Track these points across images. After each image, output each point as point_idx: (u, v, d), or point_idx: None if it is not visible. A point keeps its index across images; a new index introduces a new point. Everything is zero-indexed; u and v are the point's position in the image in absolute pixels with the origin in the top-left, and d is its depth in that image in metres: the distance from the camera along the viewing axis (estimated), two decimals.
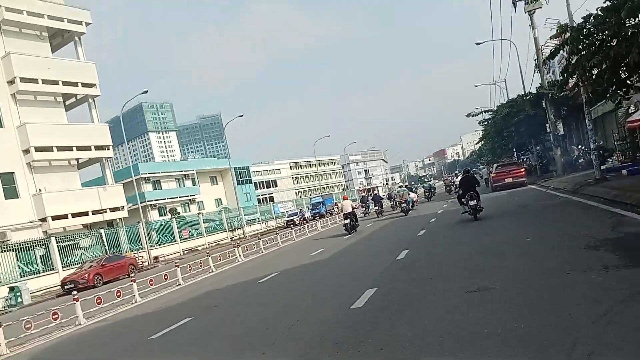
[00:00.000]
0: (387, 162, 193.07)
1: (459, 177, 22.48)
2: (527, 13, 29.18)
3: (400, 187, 42.33)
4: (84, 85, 34.66)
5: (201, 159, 72.42)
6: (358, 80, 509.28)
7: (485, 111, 36.96)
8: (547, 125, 30.51)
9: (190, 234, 41.56)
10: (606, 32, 11.73)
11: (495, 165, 33.12)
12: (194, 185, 66.67)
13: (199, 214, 46.27)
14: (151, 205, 60.37)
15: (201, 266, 20.27)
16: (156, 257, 36.14)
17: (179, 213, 49.90)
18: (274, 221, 58.32)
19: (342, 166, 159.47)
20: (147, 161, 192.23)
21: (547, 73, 37.23)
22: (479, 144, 62.17)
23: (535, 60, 31.58)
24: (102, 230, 32.57)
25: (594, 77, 13.20)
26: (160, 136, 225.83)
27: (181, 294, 14.96)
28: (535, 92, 32.54)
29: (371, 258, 13.69)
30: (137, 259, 30.26)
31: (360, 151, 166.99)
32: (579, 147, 32.02)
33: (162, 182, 62.82)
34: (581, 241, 8.87)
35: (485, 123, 38.40)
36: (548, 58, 16.07)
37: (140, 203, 60.04)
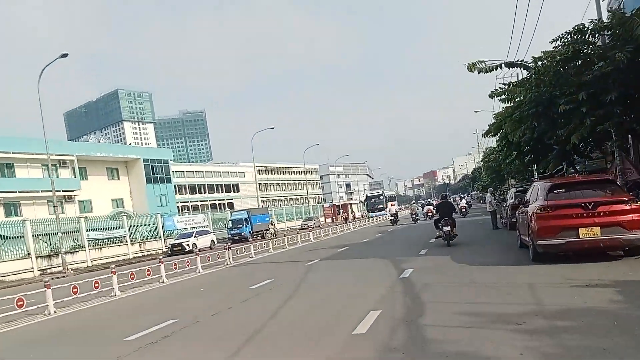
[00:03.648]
0: (372, 177, 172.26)
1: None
2: None
3: (412, 203, 53.02)
4: None
5: (97, 144, 51.48)
6: (349, 93, 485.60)
7: (509, 64, 15.19)
8: None
9: None
10: None
11: (545, 184, 11.00)
12: (74, 177, 45.39)
13: None
14: None
15: None
16: None
17: None
18: (159, 242, 37.09)
19: (321, 177, 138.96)
20: None
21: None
22: (484, 147, 42.11)
23: None
24: None
25: None
26: (136, 127, 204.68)
27: None
28: None
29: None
30: None
31: (342, 163, 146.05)
32: None
33: (16, 166, 41.61)
34: None
35: (511, 89, 15.83)
36: None
37: None
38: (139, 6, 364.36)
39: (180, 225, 39.48)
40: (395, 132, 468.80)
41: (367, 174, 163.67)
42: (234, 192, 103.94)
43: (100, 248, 31.60)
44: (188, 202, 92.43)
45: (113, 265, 13.68)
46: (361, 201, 76.73)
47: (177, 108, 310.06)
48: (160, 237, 37.26)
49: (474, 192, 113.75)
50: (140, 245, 35.13)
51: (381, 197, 70.85)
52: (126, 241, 33.72)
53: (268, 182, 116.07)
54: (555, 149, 16.15)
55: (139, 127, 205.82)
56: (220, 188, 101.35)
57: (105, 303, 11.79)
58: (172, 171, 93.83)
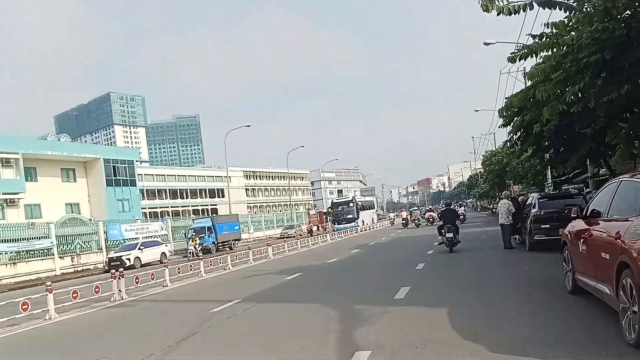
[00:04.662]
0: (365, 184, 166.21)
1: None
2: None
3: (413, 210, 52.70)
4: None
5: (50, 141, 44.87)
6: (344, 100, 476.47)
7: (545, 4, 9.52)
8: None
9: None
10: None
11: None
12: (20, 177, 39.16)
13: None
14: None
15: None
16: None
17: None
18: (100, 254, 30.88)
19: (312, 183, 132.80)
20: None
21: None
22: (484, 150, 36.70)
23: None
24: None
25: None
26: (127, 130, 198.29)
27: None
28: None
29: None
30: None
31: (335, 169, 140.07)
32: None
33: None
34: None
35: (559, 25, 9.84)
36: None
37: None
38: (136, 11, 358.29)
39: (129, 234, 33.26)
40: (390, 139, 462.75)
41: (360, 180, 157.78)
42: (219, 197, 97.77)
43: (15, 263, 25.31)
44: (168, 207, 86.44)
45: None
46: (329, 208, 55.85)
47: (170, 113, 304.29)
48: (102, 248, 31.01)
49: (469, 200, 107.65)
50: (73, 258, 28.86)
51: (351, 205, 51.27)
52: (53, 254, 27.45)
53: (256, 188, 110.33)
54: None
55: (130, 131, 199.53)
56: (204, 193, 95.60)
57: None
58: (153, 175, 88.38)
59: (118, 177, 46.99)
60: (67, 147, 43.67)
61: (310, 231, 48.27)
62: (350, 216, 49.90)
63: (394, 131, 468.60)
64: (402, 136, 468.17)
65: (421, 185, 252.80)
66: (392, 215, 74.93)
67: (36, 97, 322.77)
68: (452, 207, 19.18)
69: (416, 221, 42.69)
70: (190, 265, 15.65)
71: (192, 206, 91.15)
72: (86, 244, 30.25)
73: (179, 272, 14.87)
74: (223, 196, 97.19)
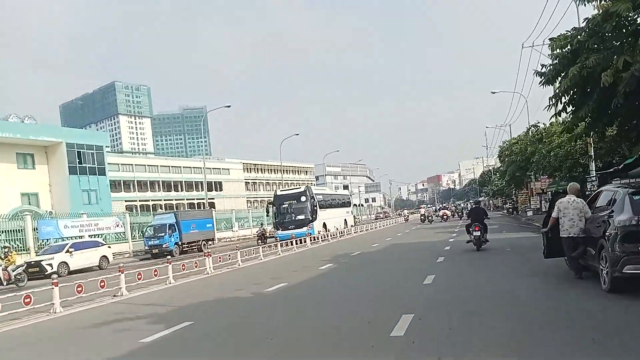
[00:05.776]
0: (373, 180, 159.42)
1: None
2: None
3: (427, 207, 67.66)
4: None
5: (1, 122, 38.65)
6: (356, 91, 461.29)
7: None
8: None
9: None
10: None
11: None
12: None
13: None
14: None
15: None
16: None
17: None
18: (27, 256, 24.85)
19: (317, 178, 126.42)
20: (115, 148, 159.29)
21: None
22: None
23: None
24: None
25: None
26: (132, 121, 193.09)
27: None
28: None
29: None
30: None
31: (341, 163, 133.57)
32: None
33: None
34: None
35: None
36: None
37: None
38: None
39: (71, 232, 27.29)
40: (400, 135, 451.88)
41: (366, 176, 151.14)
42: (216, 190, 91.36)
43: None
44: (161, 200, 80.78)
45: None
46: (269, 203, 33.16)
47: (177, 104, 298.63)
48: (29, 249, 25.02)
49: (480, 199, 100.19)
50: None
51: (302, 200, 30.97)
52: None
53: (257, 181, 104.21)
54: None
55: (135, 122, 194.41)
56: (201, 186, 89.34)
57: None
58: (145, 165, 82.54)
59: (84, 165, 41.11)
60: (21, 128, 37.76)
61: (261, 236, 33.88)
62: (301, 217, 30.53)
63: (401, 125, 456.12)
64: (413, 132, 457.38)
65: (431, 182, 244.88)
66: (406, 212, 73.11)
67: (41, 84, 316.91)
68: (481, 205, 19.61)
69: (429, 218, 45.04)
70: (27, 296, 9.30)
71: (187, 200, 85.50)
72: (7, 243, 24.21)
73: (27, 304, 8.63)
74: (221, 189, 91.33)
